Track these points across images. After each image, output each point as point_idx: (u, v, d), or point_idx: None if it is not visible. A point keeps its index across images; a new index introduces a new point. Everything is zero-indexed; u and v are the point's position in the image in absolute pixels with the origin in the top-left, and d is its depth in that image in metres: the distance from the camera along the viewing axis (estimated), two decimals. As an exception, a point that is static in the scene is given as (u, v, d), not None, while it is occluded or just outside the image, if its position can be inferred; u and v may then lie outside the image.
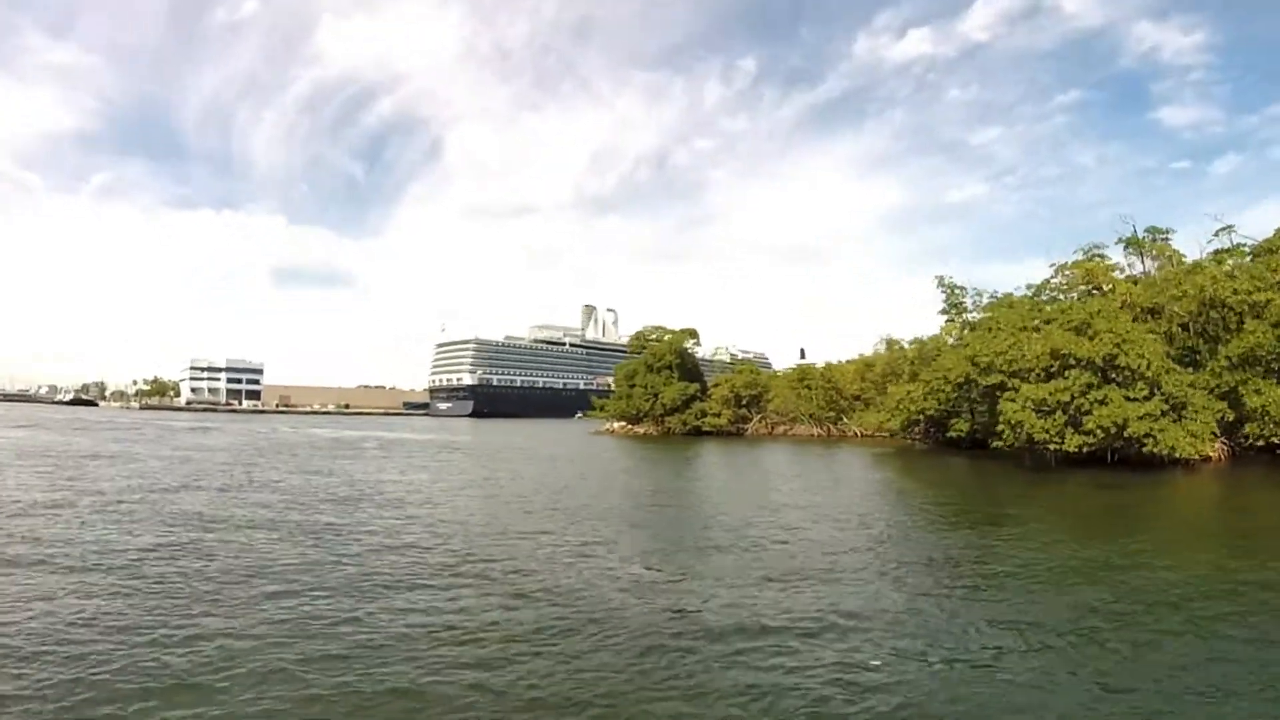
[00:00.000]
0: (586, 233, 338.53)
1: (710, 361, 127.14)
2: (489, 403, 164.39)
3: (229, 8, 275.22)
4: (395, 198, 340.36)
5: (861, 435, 65.05)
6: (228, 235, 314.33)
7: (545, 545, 14.89)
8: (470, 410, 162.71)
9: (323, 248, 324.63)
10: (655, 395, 72.38)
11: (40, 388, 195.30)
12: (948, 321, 55.26)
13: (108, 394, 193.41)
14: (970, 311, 53.63)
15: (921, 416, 49.05)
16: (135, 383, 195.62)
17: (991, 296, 52.47)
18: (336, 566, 12.56)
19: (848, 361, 75.94)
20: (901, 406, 49.67)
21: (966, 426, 45.48)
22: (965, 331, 51.15)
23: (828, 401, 69.21)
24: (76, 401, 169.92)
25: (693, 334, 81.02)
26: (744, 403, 73.31)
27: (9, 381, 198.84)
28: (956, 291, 54.68)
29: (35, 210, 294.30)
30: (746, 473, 36.26)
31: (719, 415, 71.47)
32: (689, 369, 76.99)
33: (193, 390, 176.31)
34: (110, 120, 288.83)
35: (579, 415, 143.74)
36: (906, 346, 65.23)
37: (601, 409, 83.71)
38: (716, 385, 75.99)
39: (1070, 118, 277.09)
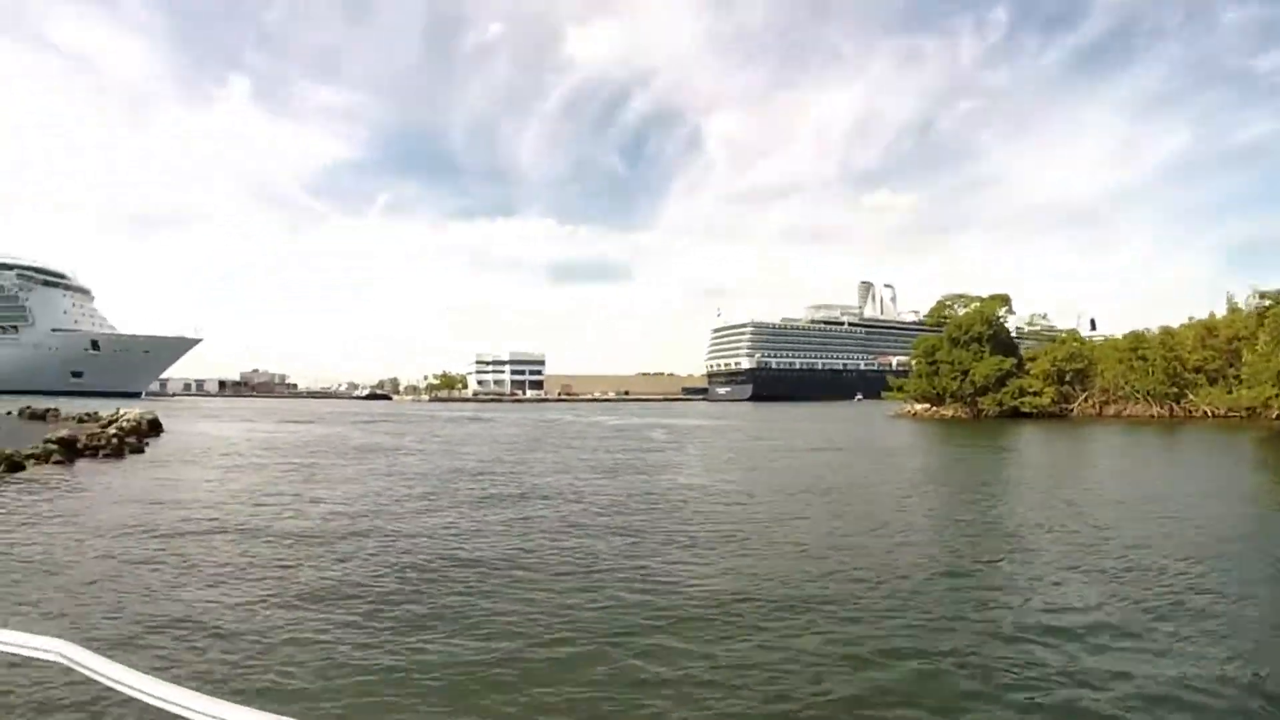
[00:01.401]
0: (854, 208, 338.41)
1: (1023, 333, 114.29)
2: (768, 386, 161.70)
3: (477, 31, 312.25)
4: (660, 189, 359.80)
5: (1213, 415, 55.32)
6: (505, 239, 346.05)
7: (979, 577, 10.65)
8: (749, 394, 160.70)
9: (594, 243, 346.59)
10: (964, 373, 63.45)
11: (340, 385, 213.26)
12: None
13: (401, 388, 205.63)
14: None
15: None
16: (425, 377, 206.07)
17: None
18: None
19: (1183, 326, 64.48)
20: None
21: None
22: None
23: (1168, 375, 59.27)
24: (372, 396, 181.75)
25: (1004, 300, 74.45)
26: (1066, 379, 64.16)
27: (313, 380, 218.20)
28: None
29: (328, 231, 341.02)
30: (1137, 474, 25.98)
31: (1039, 394, 62.20)
32: (1001, 342, 66.76)
33: (479, 382, 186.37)
34: (385, 146, 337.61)
35: (858, 398, 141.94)
36: (1266, 302, 54.91)
37: (899, 389, 73.97)
38: (1034, 359, 66.84)
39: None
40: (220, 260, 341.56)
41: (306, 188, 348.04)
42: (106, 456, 24.73)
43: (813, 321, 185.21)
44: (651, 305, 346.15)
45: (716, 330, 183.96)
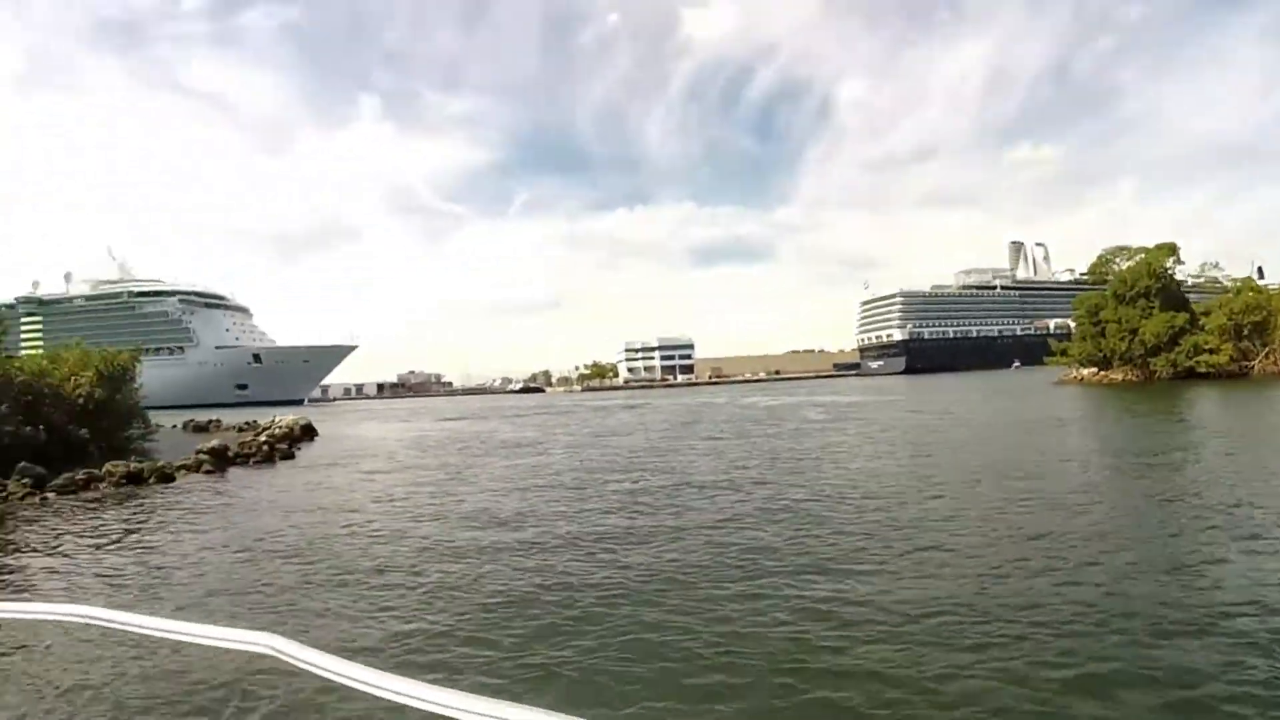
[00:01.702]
0: (995, 166, 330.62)
1: (1193, 285, 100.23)
2: (921, 357, 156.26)
3: (594, 24, 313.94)
4: (794, 163, 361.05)
5: None
6: (643, 226, 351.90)
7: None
8: (903, 367, 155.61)
9: (734, 224, 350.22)
10: (1132, 332, 58.22)
11: (493, 381, 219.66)
12: None
13: (553, 381, 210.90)
14: None
15: None
16: (576, 368, 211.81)
17: None
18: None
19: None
20: None
21: None
22: None
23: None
24: (525, 389, 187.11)
25: (1171, 250, 65.45)
26: (1244, 333, 56.46)
27: (467, 378, 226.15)
28: None
29: (468, 233, 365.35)
30: None
31: (1215, 351, 55.17)
32: (1171, 295, 60.55)
33: (629, 370, 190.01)
34: (517, 147, 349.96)
35: (1015, 365, 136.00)
36: None
37: (1062, 354, 67.79)
38: (1207, 313, 59.20)
39: None
40: (369, 269, 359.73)
41: (444, 194, 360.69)
42: (258, 463, 24.05)
43: (964, 287, 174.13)
44: (796, 281, 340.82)
45: (865, 303, 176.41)
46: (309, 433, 35.32)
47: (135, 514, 15.39)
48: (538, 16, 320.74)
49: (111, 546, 12.16)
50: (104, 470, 19.25)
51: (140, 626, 1.63)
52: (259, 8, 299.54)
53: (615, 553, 10.42)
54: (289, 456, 26.12)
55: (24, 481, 17.86)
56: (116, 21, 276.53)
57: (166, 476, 19.89)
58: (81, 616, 2.03)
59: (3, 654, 6.85)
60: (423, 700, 1.18)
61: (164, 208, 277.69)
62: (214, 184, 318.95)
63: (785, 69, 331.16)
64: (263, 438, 27.87)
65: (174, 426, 42.57)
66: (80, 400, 25.54)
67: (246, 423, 40.07)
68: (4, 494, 17.28)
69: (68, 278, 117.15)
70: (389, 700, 1.21)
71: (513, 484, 17.90)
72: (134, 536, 12.95)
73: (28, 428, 21.23)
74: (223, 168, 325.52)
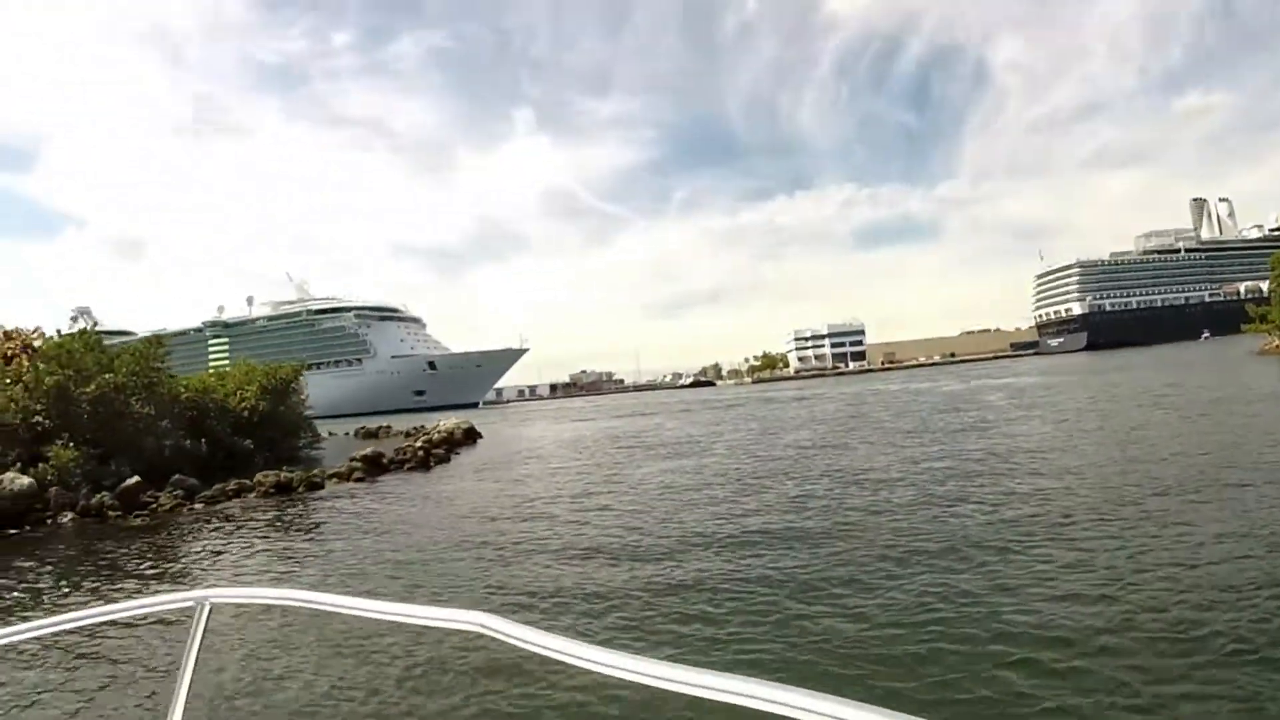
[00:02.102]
0: (1164, 119, 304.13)
1: None
2: (1104, 332, 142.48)
3: (734, 14, 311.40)
4: (953, 134, 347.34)
5: None
6: (804, 211, 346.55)
7: None
8: (1084, 343, 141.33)
9: (897, 202, 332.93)
10: None
11: (665, 376, 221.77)
12: None
13: (724, 374, 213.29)
14: None
15: None
16: (746, 360, 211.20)
17: None
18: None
19: None
20: None
21: None
22: None
23: None
24: (695, 384, 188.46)
25: None
26: None
27: (637, 375, 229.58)
28: None
29: (629, 232, 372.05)
30: None
31: None
32: None
33: (799, 359, 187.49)
34: (671, 145, 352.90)
35: (1205, 335, 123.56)
36: None
37: (1261, 320, 59.06)
38: None
39: None
40: (536, 274, 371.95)
41: (603, 196, 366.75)
42: (411, 469, 22.97)
43: (1145, 253, 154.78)
44: (966, 258, 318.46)
45: (1040, 276, 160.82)
46: (471, 436, 34.65)
47: (273, 521, 14.93)
48: (677, 12, 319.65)
49: (243, 550, 12.29)
50: (254, 480, 18.69)
51: (350, 608, 1.55)
52: (406, 36, 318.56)
53: (785, 550, 9.50)
54: (444, 461, 25.03)
55: (175, 493, 17.48)
56: (273, 66, 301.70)
57: (315, 485, 19.16)
58: (294, 600, 1.71)
59: (222, 635, 6.89)
60: (628, 670, 1.18)
61: (336, 231, 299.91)
62: (382, 205, 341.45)
63: (934, 34, 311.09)
64: (419, 443, 26.93)
65: (346, 434, 43.71)
66: (245, 413, 25.66)
67: (415, 427, 40.22)
68: (155, 505, 16.90)
69: (250, 301, 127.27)
70: (601, 674, 1.21)
71: (668, 485, 16.21)
72: (265, 542, 12.87)
73: (187, 441, 21.07)
74: (388, 189, 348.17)
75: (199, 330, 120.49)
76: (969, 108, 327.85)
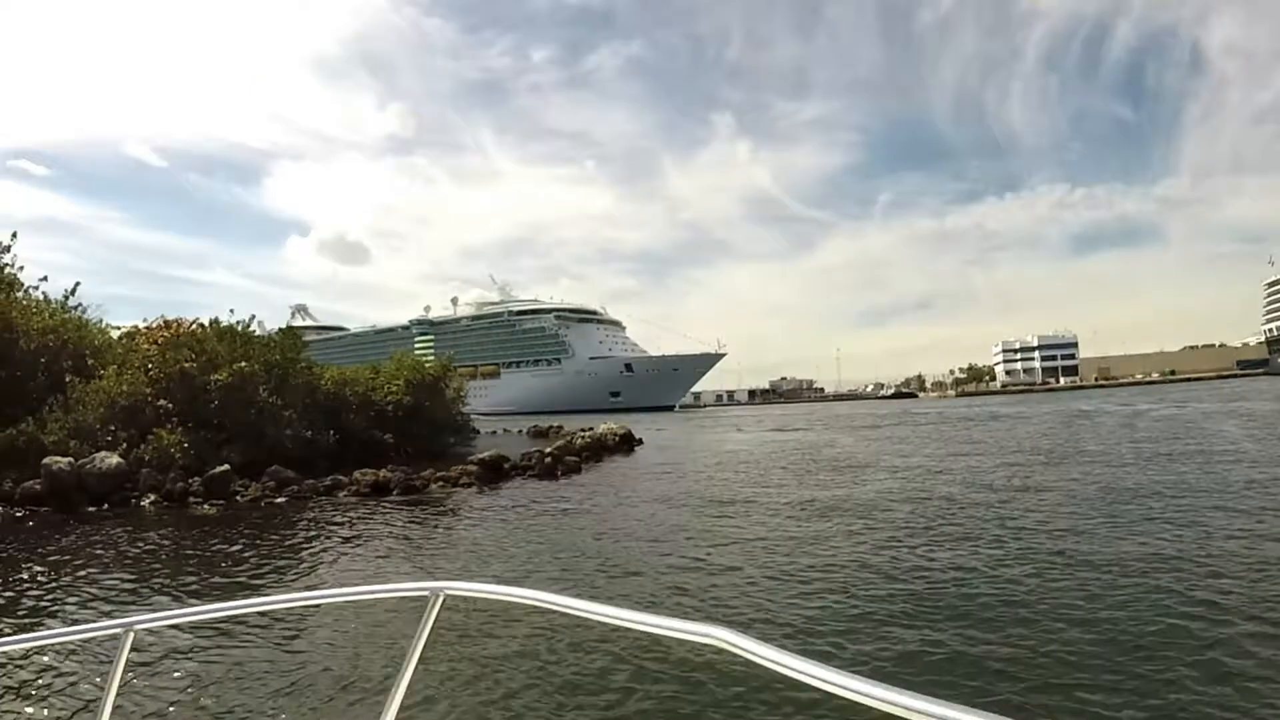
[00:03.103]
0: None
1: None
2: None
3: (931, 8, 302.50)
4: (1171, 127, 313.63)
5: None
6: (1011, 216, 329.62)
7: None
8: None
9: (1113, 203, 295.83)
10: None
11: (866, 386, 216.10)
12: None
13: (927, 385, 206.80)
14: None
15: None
16: (951, 371, 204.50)
17: None
18: None
19: None
20: None
21: None
22: None
23: None
24: (897, 395, 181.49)
25: None
26: None
27: (838, 384, 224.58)
28: None
29: (832, 237, 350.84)
30: None
31: None
32: None
33: (1007, 372, 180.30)
34: (874, 147, 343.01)
35: None
36: None
37: None
38: None
39: None
40: (738, 279, 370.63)
41: (806, 201, 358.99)
42: (531, 477, 21.57)
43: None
44: (1187, 264, 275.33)
45: (1271, 284, 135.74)
46: (627, 442, 33.08)
47: (344, 524, 14.30)
48: (873, 9, 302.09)
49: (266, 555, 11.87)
50: (351, 478, 17.98)
51: (586, 612, 1.60)
52: (603, 49, 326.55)
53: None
54: (574, 471, 23.30)
55: (268, 484, 17.12)
56: (480, 82, 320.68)
57: (410, 488, 18.10)
58: (528, 599, 1.77)
59: (463, 634, 6.85)
60: (867, 696, 1.15)
61: (545, 238, 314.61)
62: (587, 212, 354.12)
63: (1143, 18, 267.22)
64: (549, 449, 25.44)
65: (519, 431, 43.92)
66: (388, 407, 25.64)
67: (584, 429, 39.25)
68: (238, 495, 16.72)
69: (454, 302, 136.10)
70: (842, 697, 1.18)
71: (792, 516, 14.05)
72: (307, 550, 12.33)
73: (308, 432, 21.02)
74: (593, 197, 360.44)
75: (405, 328, 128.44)
76: (1187, 97, 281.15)
